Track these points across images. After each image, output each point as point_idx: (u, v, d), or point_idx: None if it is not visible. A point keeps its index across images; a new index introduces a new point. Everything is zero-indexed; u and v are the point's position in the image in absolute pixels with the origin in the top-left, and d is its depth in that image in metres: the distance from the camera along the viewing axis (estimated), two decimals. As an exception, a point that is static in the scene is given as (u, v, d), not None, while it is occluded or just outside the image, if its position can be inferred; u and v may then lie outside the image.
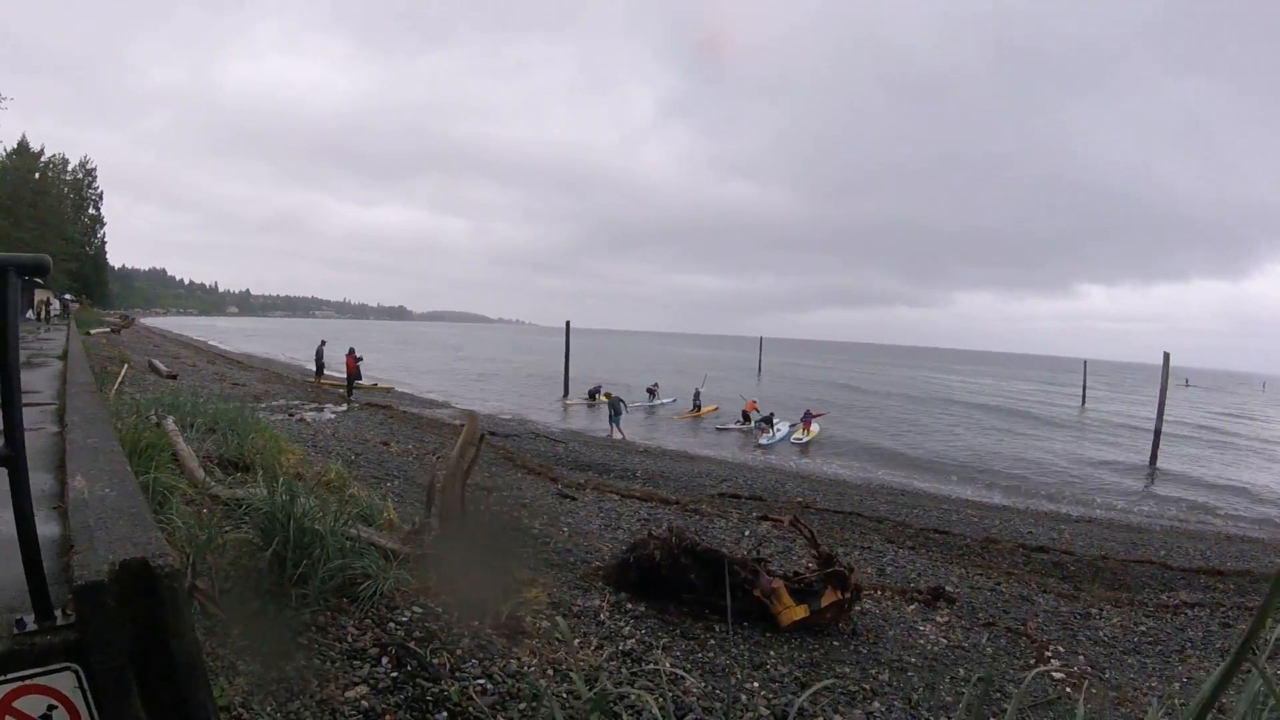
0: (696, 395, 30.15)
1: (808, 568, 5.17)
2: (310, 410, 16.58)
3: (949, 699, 4.26)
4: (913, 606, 6.08)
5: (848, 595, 4.96)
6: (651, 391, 31.81)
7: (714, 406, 30.20)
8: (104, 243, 71.65)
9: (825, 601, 4.85)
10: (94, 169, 66.91)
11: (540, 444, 15.85)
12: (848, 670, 4.38)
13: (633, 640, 4.04)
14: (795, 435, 24.35)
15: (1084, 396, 45.78)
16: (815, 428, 25.25)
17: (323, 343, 25.27)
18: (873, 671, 4.44)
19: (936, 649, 5.17)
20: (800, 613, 4.76)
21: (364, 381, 27.00)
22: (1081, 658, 5.58)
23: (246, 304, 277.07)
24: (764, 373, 54.01)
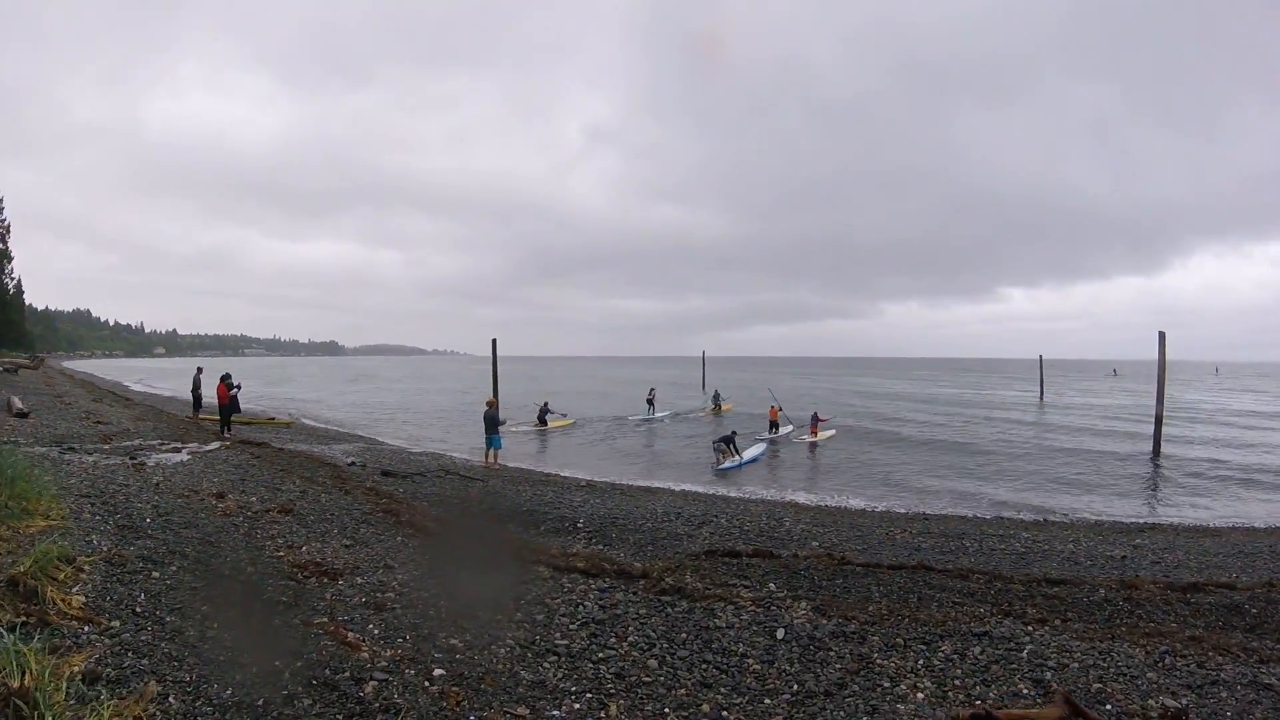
0: (716, 396, 33.30)
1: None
2: (166, 451, 12.61)
3: None
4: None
5: None
6: (650, 403, 31.71)
7: (730, 405, 33.14)
8: (16, 280, 64.25)
9: None
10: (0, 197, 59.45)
11: (449, 485, 12.04)
12: None
13: None
14: (803, 437, 23.18)
15: (1041, 392, 46.90)
16: (827, 431, 23.98)
17: (199, 370, 20.50)
18: None
19: None
20: None
21: (254, 415, 22.85)
22: None
23: (174, 344, 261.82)
24: (708, 387, 52.50)
